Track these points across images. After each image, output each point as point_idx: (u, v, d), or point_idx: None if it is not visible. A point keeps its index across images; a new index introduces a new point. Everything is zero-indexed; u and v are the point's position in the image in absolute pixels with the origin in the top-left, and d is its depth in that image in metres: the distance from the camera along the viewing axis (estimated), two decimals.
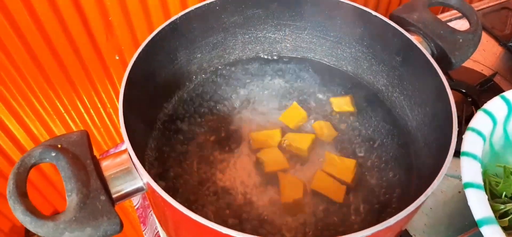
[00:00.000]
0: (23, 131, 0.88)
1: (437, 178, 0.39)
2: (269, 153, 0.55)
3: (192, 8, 0.55)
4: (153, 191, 0.38)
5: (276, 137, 0.56)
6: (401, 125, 0.57)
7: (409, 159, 0.54)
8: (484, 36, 0.87)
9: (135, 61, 0.47)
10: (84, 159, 0.39)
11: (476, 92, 0.72)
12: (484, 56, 0.83)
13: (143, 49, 0.49)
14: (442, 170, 0.40)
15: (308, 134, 0.57)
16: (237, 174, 0.53)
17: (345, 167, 0.54)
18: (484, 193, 0.46)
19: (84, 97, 0.90)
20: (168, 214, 0.42)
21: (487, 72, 0.79)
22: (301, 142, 0.56)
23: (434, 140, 0.49)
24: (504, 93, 0.55)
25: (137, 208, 0.80)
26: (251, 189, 0.52)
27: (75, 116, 0.92)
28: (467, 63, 0.80)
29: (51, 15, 0.74)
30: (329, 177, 0.52)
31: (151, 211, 0.73)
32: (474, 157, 0.49)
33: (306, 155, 0.55)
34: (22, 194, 0.36)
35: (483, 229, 0.44)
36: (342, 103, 0.60)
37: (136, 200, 0.81)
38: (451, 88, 0.72)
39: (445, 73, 0.74)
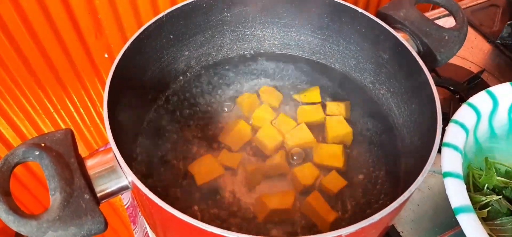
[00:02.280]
0: (12, 130, 0.87)
1: (421, 175, 0.39)
2: (202, 163, 0.53)
3: (179, 5, 0.55)
4: (138, 190, 0.38)
5: (247, 132, 0.56)
6: (387, 122, 0.57)
7: (395, 156, 0.55)
8: (472, 34, 0.88)
9: (121, 59, 0.47)
10: (68, 157, 0.39)
11: (464, 89, 0.73)
12: (472, 53, 0.83)
13: (129, 47, 0.49)
14: (425, 167, 0.40)
15: (336, 145, 0.55)
16: (225, 172, 0.53)
17: (333, 153, 0.54)
18: (462, 182, 0.47)
19: (74, 96, 0.90)
20: (154, 213, 0.42)
21: (475, 69, 0.79)
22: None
23: (419, 136, 0.50)
24: (490, 88, 0.56)
25: (127, 207, 0.80)
26: (239, 188, 0.52)
27: (64, 116, 0.92)
28: (455, 61, 0.80)
29: (40, 13, 0.73)
30: (324, 200, 0.50)
31: None
32: (455, 148, 0.49)
33: (342, 170, 0.54)
34: (4, 193, 0.36)
35: (459, 217, 0.44)
36: (334, 108, 0.60)
37: (126, 199, 0.80)
38: (439, 86, 0.73)
39: (432, 70, 0.74)
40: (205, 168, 0.52)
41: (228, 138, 0.56)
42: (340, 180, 0.52)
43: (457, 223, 0.45)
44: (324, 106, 0.60)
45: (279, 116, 0.58)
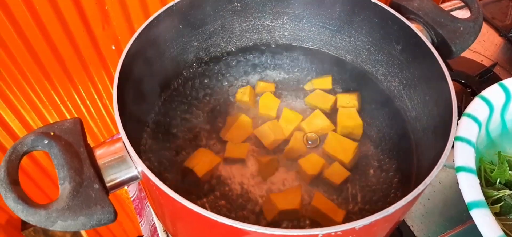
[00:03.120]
0: (18, 122, 0.87)
1: (436, 167, 0.38)
2: (196, 157, 0.52)
3: None
4: (148, 179, 0.37)
5: (248, 125, 0.56)
6: (400, 115, 0.57)
7: (408, 149, 0.54)
8: (484, 27, 0.87)
9: (130, 48, 0.47)
10: (77, 146, 0.39)
11: (476, 83, 0.72)
12: (484, 46, 0.82)
13: (138, 36, 0.48)
14: (441, 159, 0.39)
15: (352, 141, 0.55)
16: (233, 164, 0.53)
17: (345, 148, 0.53)
18: (475, 177, 0.46)
19: (80, 88, 0.89)
20: (164, 204, 0.41)
21: (487, 62, 0.78)
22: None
23: (433, 129, 0.49)
24: (502, 81, 0.55)
25: (134, 200, 0.80)
26: (248, 180, 0.52)
27: (71, 107, 0.92)
28: (467, 54, 0.79)
29: (47, 4, 0.72)
30: (327, 200, 0.50)
31: (147, 202, 0.72)
32: (468, 142, 0.49)
33: (348, 166, 0.53)
34: (13, 182, 0.35)
35: (473, 212, 0.44)
36: (346, 100, 0.60)
37: (132, 191, 0.80)
38: (451, 79, 0.72)
39: (445, 63, 0.73)
40: (201, 161, 0.52)
41: (228, 134, 0.55)
42: (342, 171, 0.52)
43: (467, 218, 0.44)
44: (335, 98, 0.59)
45: (283, 112, 0.57)
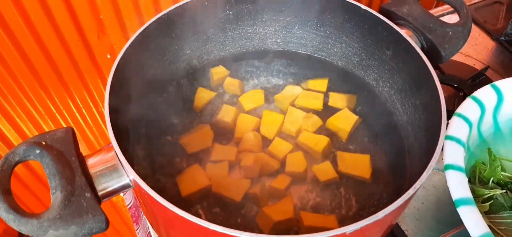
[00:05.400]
0: (14, 131, 0.87)
1: (425, 171, 0.39)
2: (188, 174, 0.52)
3: (181, 3, 0.54)
4: (140, 188, 0.37)
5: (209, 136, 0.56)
6: (392, 119, 0.57)
7: (400, 153, 0.54)
8: (476, 31, 0.87)
9: (122, 57, 0.47)
10: (69, 155, 0.39)
11: (468, 87, 0.72)
12: (476, 50, 0.83)
13: (131, 44, 0.49)
14: (430, 163, 0.39)
15: (363, 155, 0.54)
16: (226, 171, 0.53)
17: (361, 163, 0.53)
18: (464, 175, 0.46)
19: (76, 97, 0.89)
20: (157, 212, 0.41)
21: (479, 66, 0.79)
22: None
23: (424, 133, 0.49)
24: (495, 82, 0.55)
25: (130, 207, 0.80)
26: (242, 189, 0.52)
27: (67, 116, 0.92)
28: (459, 58, 0.80)
29: (42, 14, 0.73)
30: (317, 214, 0.49)
31: None
32: (458, 141, 0.49)
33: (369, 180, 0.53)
34: (5, 192, 0.36)
35: (460, 209, 0.44)
36: (338, 99, 0.60)
37: (128, 199, 0.80)
38: (443, 83, 0.73)
39: (436, 67, 0.74)
40: (190, 179, 0.51)
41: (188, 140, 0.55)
42: (331, 171, 0.52)
43: (461, 221, 0.44)
44: (327, 97, 0.60)
45: (263, 114, 0.58)
